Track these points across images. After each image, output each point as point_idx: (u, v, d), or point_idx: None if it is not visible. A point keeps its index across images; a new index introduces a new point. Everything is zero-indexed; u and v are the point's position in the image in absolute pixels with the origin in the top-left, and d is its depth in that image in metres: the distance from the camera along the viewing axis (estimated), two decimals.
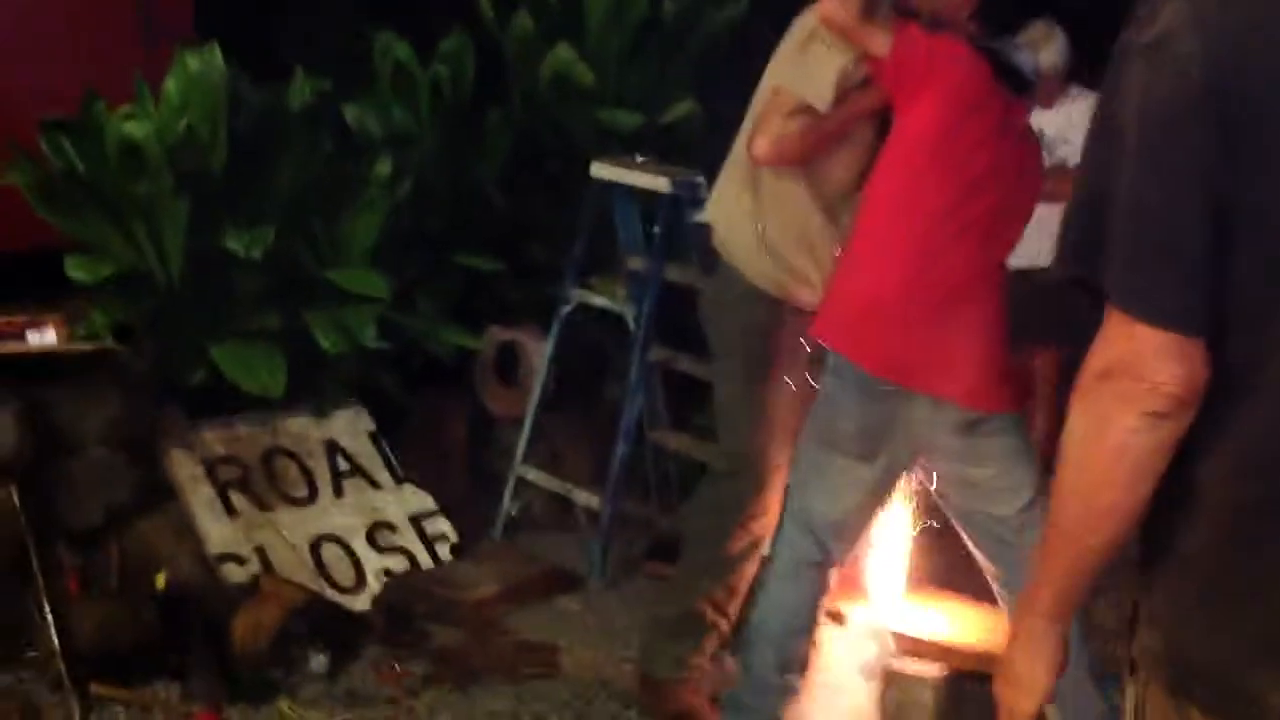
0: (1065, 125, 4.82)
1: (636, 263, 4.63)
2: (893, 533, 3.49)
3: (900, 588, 3.58)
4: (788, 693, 3.15)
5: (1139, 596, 1.57)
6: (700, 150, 4.94)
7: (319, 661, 3.83)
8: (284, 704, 3.65)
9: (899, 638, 3.45)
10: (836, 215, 3.41)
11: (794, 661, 3.18)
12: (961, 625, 3.55)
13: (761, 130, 3.26)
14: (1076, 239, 1.49)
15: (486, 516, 4.71)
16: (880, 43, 3.03)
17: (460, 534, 4.54)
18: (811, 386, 3.43)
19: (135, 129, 3.92)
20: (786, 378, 3.46)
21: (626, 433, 4.43)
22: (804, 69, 3.24)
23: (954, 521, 3.16)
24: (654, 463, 4.83)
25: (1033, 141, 3.26)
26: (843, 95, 3.25)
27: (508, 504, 4.71)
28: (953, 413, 2.98)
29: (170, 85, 4.09)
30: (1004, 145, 3.10)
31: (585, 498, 4.57)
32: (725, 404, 3.65)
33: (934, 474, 3.11)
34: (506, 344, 5.01)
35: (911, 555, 3.56)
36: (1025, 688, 1.63)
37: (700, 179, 4.32)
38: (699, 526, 3.63)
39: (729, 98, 5.10)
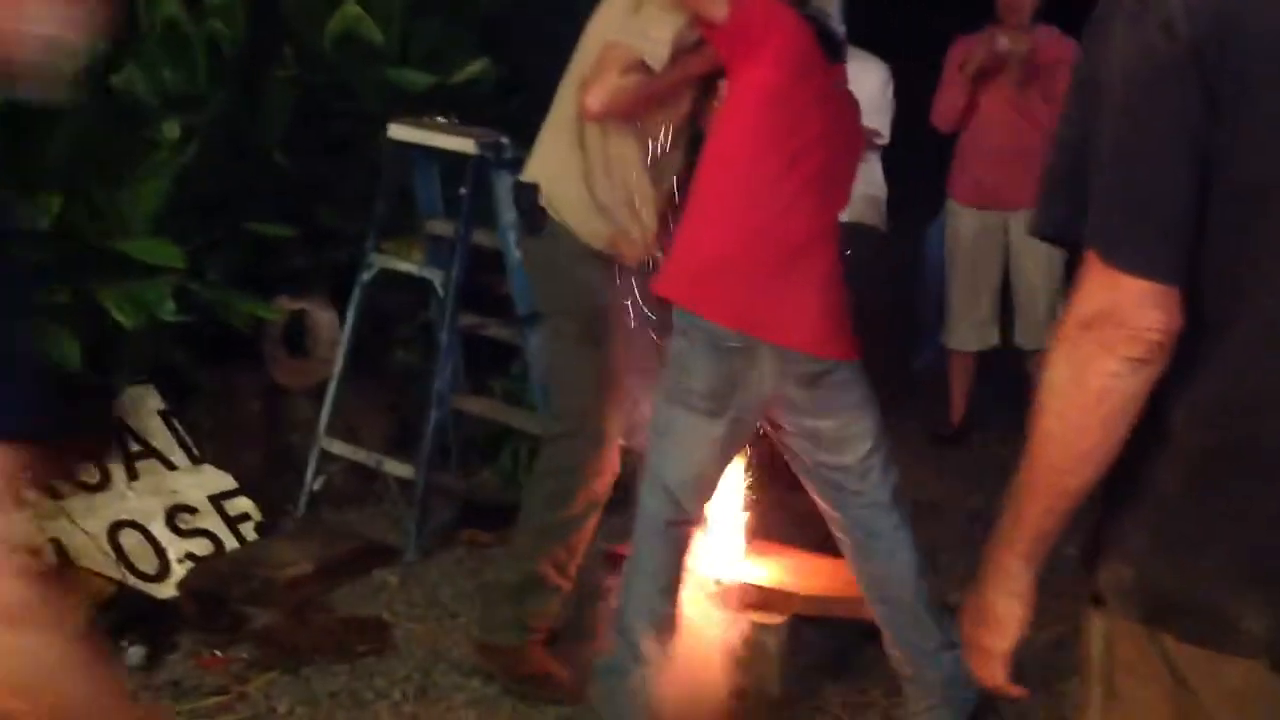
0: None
1: (437, 226, 4.54)
2: (735, 488, 3.55)
3: (742, 541, 3.64)
4: (658, 654, 3.16)
5: (1104, 534, 1.64)
6: (493, 109, 4.88)
7: (135, 654, 3.63)
8: None
9: (743, 588, 3.52)
10: (659, 176, 3.46)
11: (664, 621, 3.20)
12: (800, 575, 3.64)
13: (595, 85, 3.25)
14: (1060, 198, 1.54)
15: (288, 493, 4.55)
16: (718, 7, 3.06)
17: (263, 512, 4.38)
18: (644, 342, 3.47)
19: None
20: (620, 334, 3.48)
21: (439, 400, 4.34)
22: (641, 28, 3.25)
23: (798, 473, 3.24)
24: (455, 429, 4.76)
25: (852, 104, 3.36)
26: (676, 56, 3.28)
27: (310, 479, 4.55)
28: (798, 365, 3.06)
29: None
30: (829, 108, 3.19)
31: (396, 468, 4.46)
32: (559, 364, 3.63)
33: (780, 427, 3.18)
34: (295, 314, 4.84)
35: (754, 509, 3.63)
36: (1001, 626, 1.68)
37: (505, 139, 4.26)
38: (539, 489, 3.59)
39: (521, 57, 5.07)
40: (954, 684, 3.21)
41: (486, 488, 4.82)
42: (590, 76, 3.29)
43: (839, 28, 3.50)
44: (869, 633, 3.47)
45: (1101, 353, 1.50)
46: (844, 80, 3.32)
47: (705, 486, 3.21)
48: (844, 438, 3.17)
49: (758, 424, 3.22)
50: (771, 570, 3.64)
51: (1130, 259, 1.48)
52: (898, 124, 4.91)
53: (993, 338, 5.41)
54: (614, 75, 3.22)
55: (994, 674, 1.71)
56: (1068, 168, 1.53)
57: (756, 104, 3.08)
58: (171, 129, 4.19)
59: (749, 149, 3.08)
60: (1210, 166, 1.46)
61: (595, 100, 3.25)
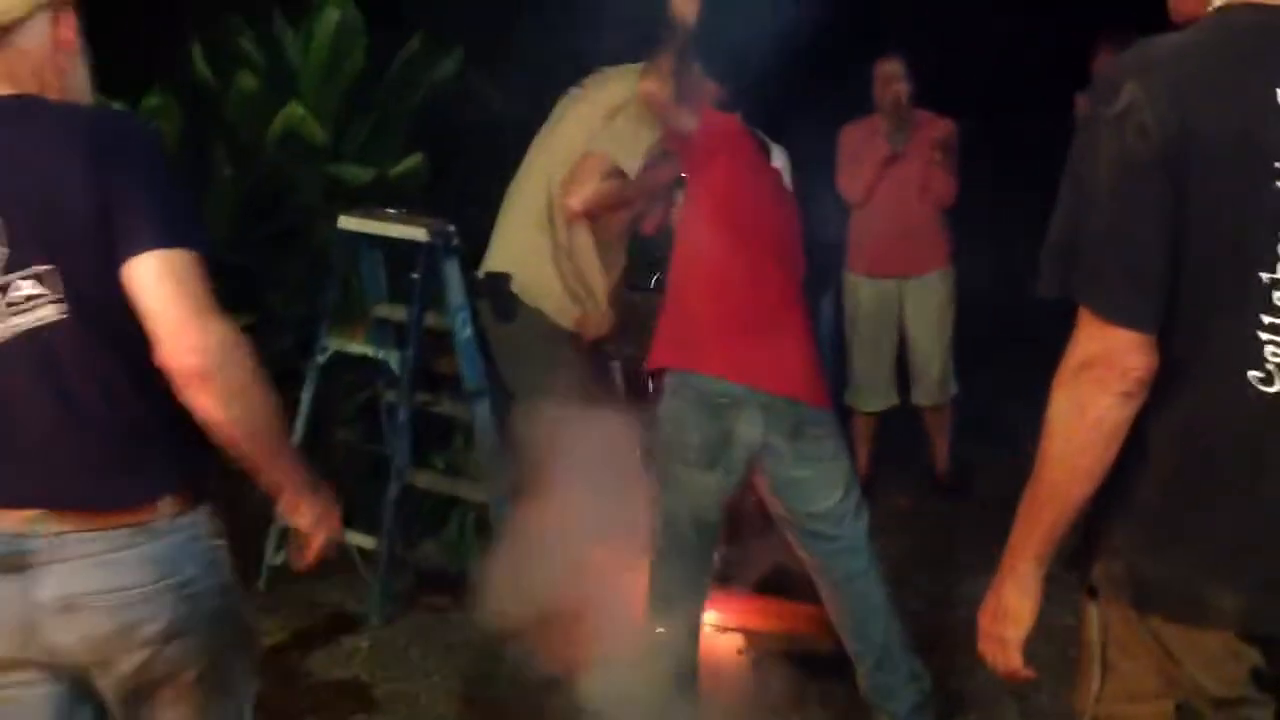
0: None
1: (384, 310, 4.82)
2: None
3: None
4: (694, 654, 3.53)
5: (1096, 537, 2.02)
6: (425, 200, 5.19)
7: None
8: None
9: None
10: (609, 264, 3.88)
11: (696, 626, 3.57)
12: (760, 615, 4.01)
13: (577, 187, 3.63)
14: (1058, 265, 1.93)
15: (249, 567, 4.74)
16: (687, 120, 3.48)
17: None
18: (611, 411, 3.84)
19: None
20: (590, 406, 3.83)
21: (398, 473, 4.60)
22: (619, 139, 3.66)
23: (777, 521, 3.60)
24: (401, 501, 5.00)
25: (789, 192, 3.81)
26: (646, 166, 3.71)
27: (271, 553, 4.76)
28: (783, 416, 3.44)
29: None
30: (775, 196, 3.67)
31: (359, 539, 4.70)
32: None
33: (763, 478, 3.55)
34: None
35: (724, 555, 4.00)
36: (1014, 619, 2.04)
37: (452, 228, 4.56)
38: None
39: (450, 149, 5.41)
40: (918, 712, 3.59)
41: (433, 557, 5.07)
42: (571, 180, 3.67)
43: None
44: (824, 667, 3.86)
45: (1098, 389, 1.89)
46: (779, 176, 3.76)
47: (710, 528, 3.57)
48: (821, 485, 3.56)
49: (747, 474, 3.57)
50: (736, 610, 3.99)
51: (1121, 314, 1.87)
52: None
53: (893, 398, 5.86)
54: (595, 180, 3.62)
55: (1010, 659, 2.07)
56: (1064, 244, 1.93)
57: (720, 198, 3.51)
58: None
59: (719, 235, 3.50)
60: (1176, 236, 1.86)
61: (577, 201, 3.65)
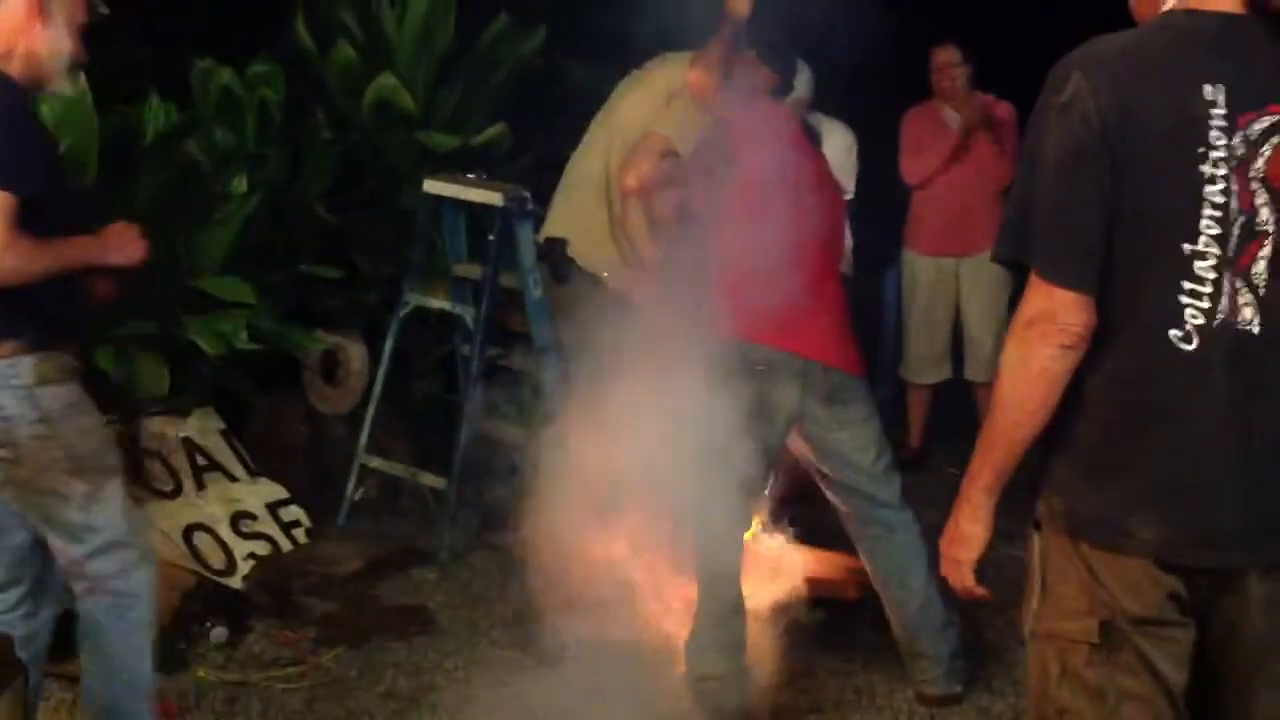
0: None
1: (462, 269, 5.18)
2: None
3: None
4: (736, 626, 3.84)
5: (1041, 476, 2.30)
6: (506, 168, 5.54)
7: (219, 633, 4.22)
8: (199, 670, 4.03)
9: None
10: (657, 231, 4.24)
11: (735, 602, 3.87)
12: (798, 562, 4.36)
13: (634, 166, 3.95)
14: (1012, 234, 2.21)
15: (331, 502, 5.15)
16: (732, 107, 3.79)
17: (311, 519, 4.98)
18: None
19: None
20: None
21: (470, 421, 4.97)
22: (675, 122, 3.98)
23: (819, 482, 3.93)
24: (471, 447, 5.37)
25: (833, 178, 4.13)
26: (697, 148, 4.04)
27: (351, 490, 5.16)
28: (820, 383, 3.77)
29: (45, 108, 4.36)
30: (818, 180, 3.98)
31: (431, 480, 5.08)
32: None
33: (804, 443, 3.88)
34: (330, 347, 5.45)
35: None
36: (967, 543, 2.32)
37: (527, 194, 4.91)
38: None
39: (530, 120, 5.75)
40: (957, 655, 3.89)
41: (499, 500, 5.42)
42: (631, 158, 3.99)
43: (819, 127, 4.28)
44: (850, 616, 4.17)
45: (1041, 342, 2.17)
46: (825, 163, 4.06)
47: (751, 485, 3.88)
48: (856, 447, 3.87)
49: (788, 439, 3.88)
50: (775, 559, 4.32)
51: (1062, 276, 2.15)
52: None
53: (946, 372, 6.11)
54: (652, 160, 3.94)
55: (964, 578, 2.36)
56: (1018, 216, 2.21)
57: (763, 181, 3.81)
58: (240, 184, 4.82)
59: (761, 215, 3.80)
60: (1113, 211, 2.13)
61: (634, 178, 3.97)
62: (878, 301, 6.70)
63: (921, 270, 6.06)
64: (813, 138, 4.07)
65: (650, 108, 4.07)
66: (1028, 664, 2.36)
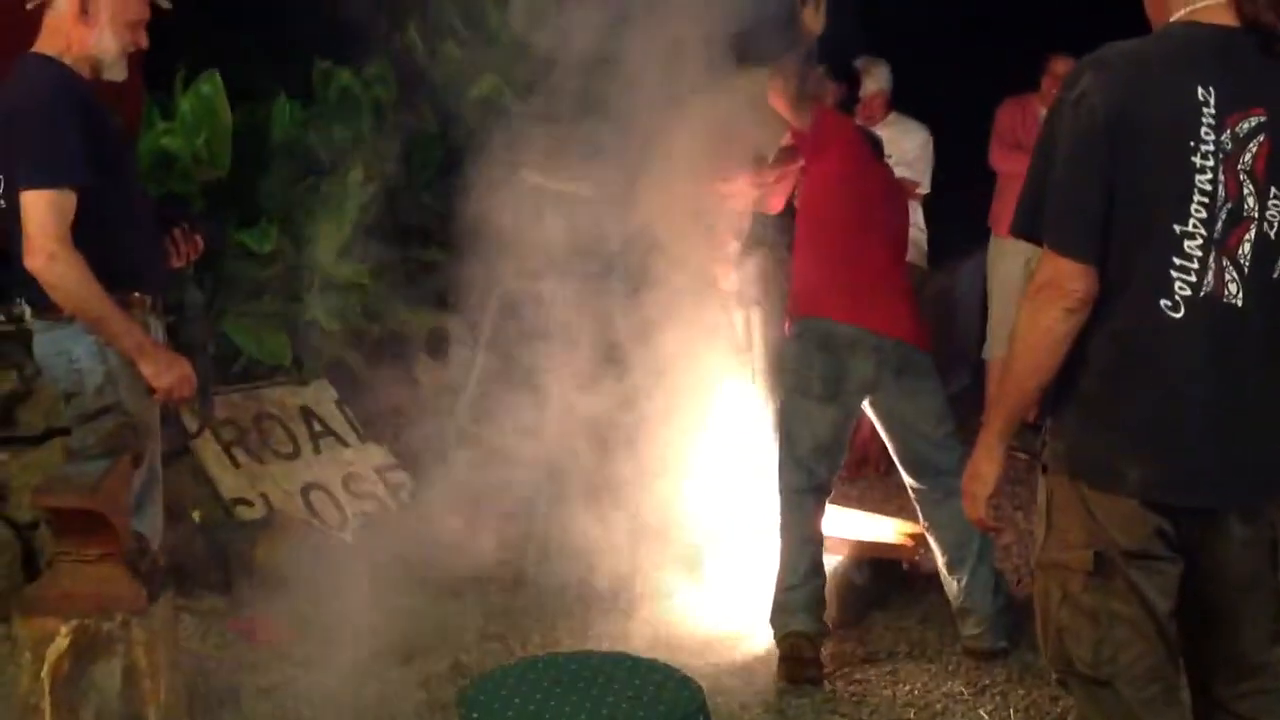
0: (885, 143, 6.08)
1: None
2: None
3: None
4: (816, 586, 4.20)
5: (1048, 425, 2.64)
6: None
7: None
8: None
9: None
10: (737, 226, 4.67)
11: (815, 563, 4.23)
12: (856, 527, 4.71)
13: (723, 169, 4.40)
14: (1027, 210, 2.56)
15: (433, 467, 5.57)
16: (805, 120, 4.19)
17: (414, 482, 5.42)
18: None
19: (170, 142, 4.68)
20: None
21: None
22: (759, 129, 4.40)
23: (889, 448, 4.32)
24: None
25: (895, 181, 4.56)
26: (778, 155, 4.47)
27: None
28: (891, 356, 4.14)
29: (185, 105, 4.85)
30: (883, 184, 4.41)
31: None
32: None
33: (875, 410, 4.25)
34: (435, 325, 5.89)
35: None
36: (982, 480, 2.66)
37: None
38: None
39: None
40: (1005, 612, 4.23)
41: None
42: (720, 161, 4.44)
43: (882, 139, 4.70)
44: (905, 578, 4.52)
45: (1049, 304, 2.51)
46: (889, 171, 4.51)
47: (827, 456, 4.23)
48: (922, 417, 4.22)
49: (861, 407, 4.24)
50: (841, 524, 4.68)
51: (1068, 248, 2.49)
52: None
53: None
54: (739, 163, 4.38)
55: (978, 509, 2.69)
56: (1033, 195, 2.55)
57: (833, 183, 4.24)
58: (356, 175, 5.27)
59: (835, 215, 4.23)
60: (1114, 193, 2.47)
61: (723, 180, 4.40)
62: (953, 292, 7.00)
63: (1007, 251, 6.37)
64: (875, 145, 4.45)
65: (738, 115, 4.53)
66: (1034, 589, 2.70)
